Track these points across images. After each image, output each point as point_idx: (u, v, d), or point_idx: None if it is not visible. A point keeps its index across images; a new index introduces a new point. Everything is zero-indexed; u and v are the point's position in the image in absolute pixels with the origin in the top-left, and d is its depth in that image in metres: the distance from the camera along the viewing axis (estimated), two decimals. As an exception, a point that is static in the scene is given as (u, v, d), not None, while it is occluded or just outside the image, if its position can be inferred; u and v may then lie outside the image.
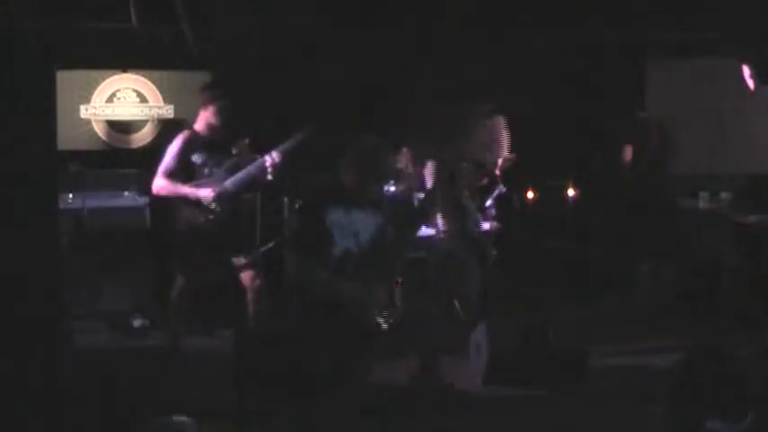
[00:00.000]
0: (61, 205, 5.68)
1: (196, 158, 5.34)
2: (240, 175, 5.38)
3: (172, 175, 5.29)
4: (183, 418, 3.46)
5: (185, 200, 5.33)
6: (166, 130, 7.01)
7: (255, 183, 5.52)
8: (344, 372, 4.12)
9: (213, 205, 5.29)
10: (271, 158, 5.32)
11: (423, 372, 4.44)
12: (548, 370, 4.78)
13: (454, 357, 5.23)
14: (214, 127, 5.37)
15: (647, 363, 5.17)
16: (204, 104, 5.40)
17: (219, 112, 5.34)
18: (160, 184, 5.31)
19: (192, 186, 5.30)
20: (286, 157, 5.33)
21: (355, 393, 4.19)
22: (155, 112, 7.10)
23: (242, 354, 4.63)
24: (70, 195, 6.27)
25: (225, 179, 5.34)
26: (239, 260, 5.40)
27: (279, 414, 4.21)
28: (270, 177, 5.39)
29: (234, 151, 5.46)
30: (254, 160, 5.45)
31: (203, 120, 5.39)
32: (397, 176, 6.02)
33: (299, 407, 4.18)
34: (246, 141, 5.54)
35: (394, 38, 6.85)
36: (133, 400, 4.28)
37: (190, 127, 5.48)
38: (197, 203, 5.30)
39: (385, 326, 4.16)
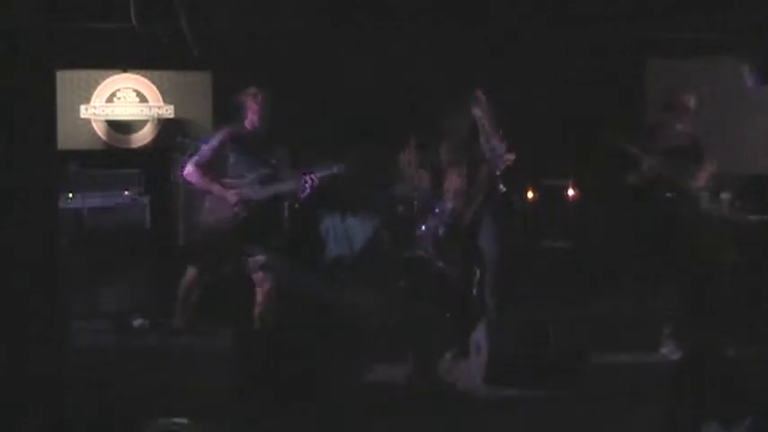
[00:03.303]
0: (61, 205, 5.69)
1: (232, 158, 5.43)
2: (270, 189, 5.44)
3: (205, 166, 5.39)
4: (182, 420, 3.46)
5: (210, 194, 5.42)
6: (166, 130, 7.02)
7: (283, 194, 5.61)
8: (344, 372, 4.12)
9: (235, 208, 5.37)
10: (311, 181, 5.36)
11: (421, 372, 4.44)
12: (548, 370, 4.78)
13: (454, 357, 5.25)
14: (257, 127, 5.45)
15: (647, 363, 5.18)
16: (249, 104, 5.47)
17: (263, 113, 5.42)
18: (191, 171, 5.44)
19: (220, 185, 5.38)
20: (322, 181, 5.39)
21: (355, 394, 4.19)
22: (155, 112, 7.09)
23: (243, 354, 4.62)
24: (70, 195, 6.27)
25: (254, 185, 5.40)
26: (256, 259, 5.43)
27: (279, 414, 4.21)
28: (304, 196, 5.45)
29: (273, 161, 5.51)
30: (289, 173, 5.50)
31: (248, 119, 5.48)
32: (399, 177, 6.05)
33: (299, 407, 4.18)
34: (284, 152, 5.62)
35: (401, 37, 6.85)
36: (133, 401, 4.28)
37: (235, 125, 5.55)
38: (221, 200, 5.38)
39: (385, 327, 4.16)
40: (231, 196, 5.38)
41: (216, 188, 5.42)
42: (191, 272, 5.59)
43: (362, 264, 4.20)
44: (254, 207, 5.49)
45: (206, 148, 5.48)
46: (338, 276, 4.13)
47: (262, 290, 5.41)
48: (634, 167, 5.41)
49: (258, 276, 5.41)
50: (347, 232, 4.19)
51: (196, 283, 5.60)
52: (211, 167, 5.44)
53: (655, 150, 5.40)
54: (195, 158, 5.46)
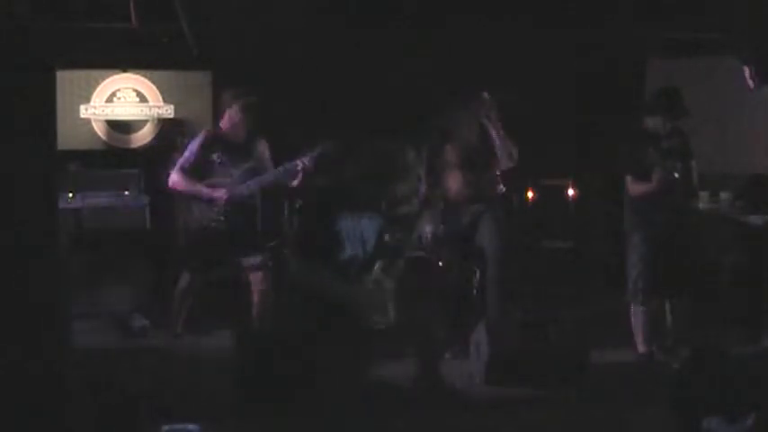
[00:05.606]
0: (61, 205, 5.69)
1: (216, 158, 5.40)
2: (259, 179, 5.41)
3: (189, 171, 5.36)
4: (192, 426, 3.47)
5: (198, 197, 5.38)
6: (166, 130, 7.02)
7: (275, 187, 5.59)
8: (344, 373, 4.13)
9: (226, 206, 5.35)
10: (303, 164, 5.34)
11: (423, 372, 4.44)
12: (548, 370, 4.79)
13: (454, 357, 5.25)
14: (238, 127, 5.41)
15: (646, 363, 5.17)
16: (228, 104, 5.45)
17: (244, 112, 5.39)
18: (176, 179, 5.38)
19: (207, 186, 5.36)
20: (316, 164, 5.37)
21: (355, 394, 4.19)
22: (155, 112, 7.09)
23: (243, 354, 4.63)
24: (70, 195, 6.26)
25: (241, 182, 5.39)
26: (249, 260, 5.43)
27: (279, 414, 4.21)
28: (297, 183, 5.42)
29: (255, 156, 5.50)
30: (271, 164, 5.50)
31: (227, 119, 5.44)
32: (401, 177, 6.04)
33: (299, 407, 4.18)
34: (264, 145, 5.59)
35: (401, 37, 6.85)
36: (133, 401, 4.28)
37: (213, 125, 5.54)
38: (210, 202, 5.35)
39: (385, 327, 4.16)
40: (222, 194, 5.35)
41: (204, 191, 5.36)
42: (185, 277, 5.56)
43: (366, 263, 4.20)
44: (245, 207, 5.47)
45: (188, 153, 5.41)
46: (341, 275, 4.13)
47: (258, 290, 5.42)
48: (647, 171, 5.18)
49: (256, 277, 5.42)
50: (352, 232, 4.19)
51: (191, 289, 5.58)
52: (195, 171, 5.37)
53: (661, 154, 5.21)
54: (178, 164, 5.39)
